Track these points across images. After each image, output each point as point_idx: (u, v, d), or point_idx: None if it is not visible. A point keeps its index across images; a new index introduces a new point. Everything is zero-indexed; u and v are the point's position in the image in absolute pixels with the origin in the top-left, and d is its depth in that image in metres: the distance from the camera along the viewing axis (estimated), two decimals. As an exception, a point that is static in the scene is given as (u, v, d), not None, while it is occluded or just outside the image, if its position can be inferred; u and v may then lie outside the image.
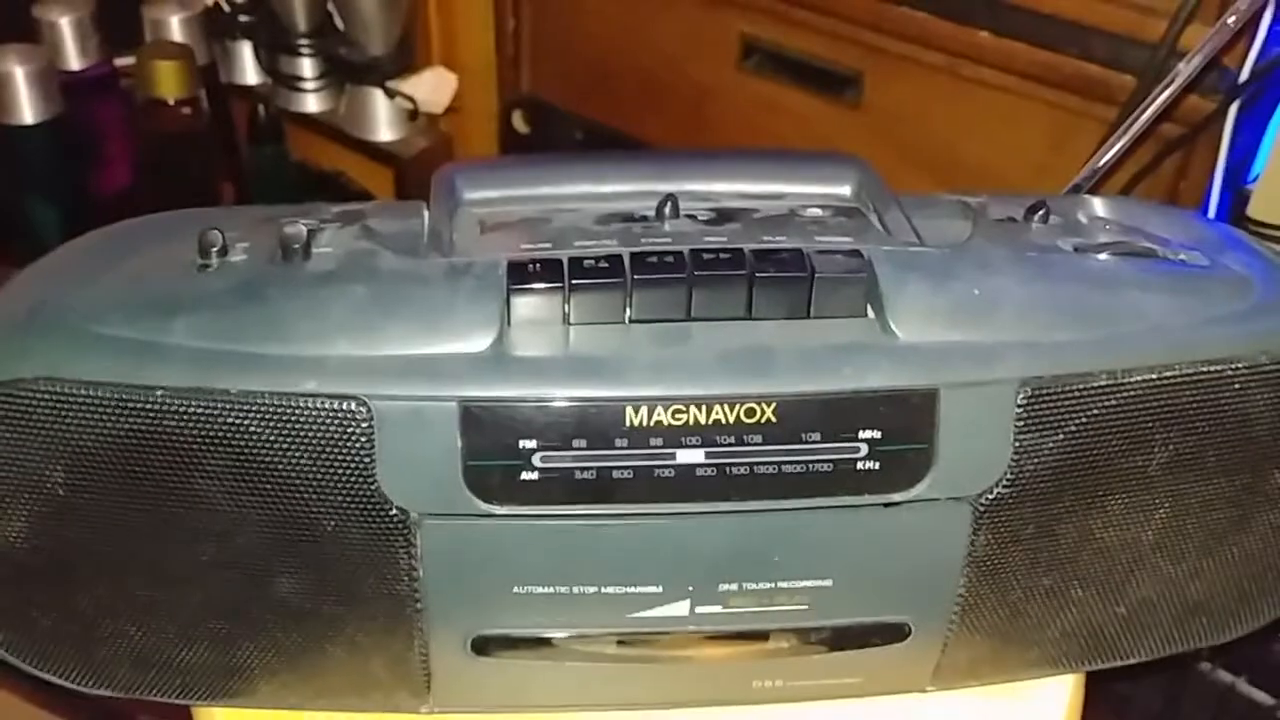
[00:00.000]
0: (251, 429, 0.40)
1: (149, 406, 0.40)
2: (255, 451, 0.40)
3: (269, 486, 0.41)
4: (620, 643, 0.45)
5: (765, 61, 1.01)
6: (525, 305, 0.41)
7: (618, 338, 0.41)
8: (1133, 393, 0.42)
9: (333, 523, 0.41)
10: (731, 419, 0.41)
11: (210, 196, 1.10)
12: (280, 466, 0.40)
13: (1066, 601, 0.45)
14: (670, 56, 1.06)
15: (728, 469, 0.41)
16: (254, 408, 0.40)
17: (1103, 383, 0.41)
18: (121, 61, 1.15)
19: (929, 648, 0.46)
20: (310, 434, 0.40)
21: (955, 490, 0.42)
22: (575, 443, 0.40)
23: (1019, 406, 0.41)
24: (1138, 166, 0.81)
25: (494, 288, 0.41)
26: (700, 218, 0.46)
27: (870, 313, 0.42)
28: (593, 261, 0.42)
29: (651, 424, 0.40)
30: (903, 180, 0.49)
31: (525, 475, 0.41)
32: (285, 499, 0.41)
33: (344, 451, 0.40)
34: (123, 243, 0.46)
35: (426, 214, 0.47)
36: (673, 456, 0.41)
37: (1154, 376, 0.42)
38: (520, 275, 0.41)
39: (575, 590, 0.43)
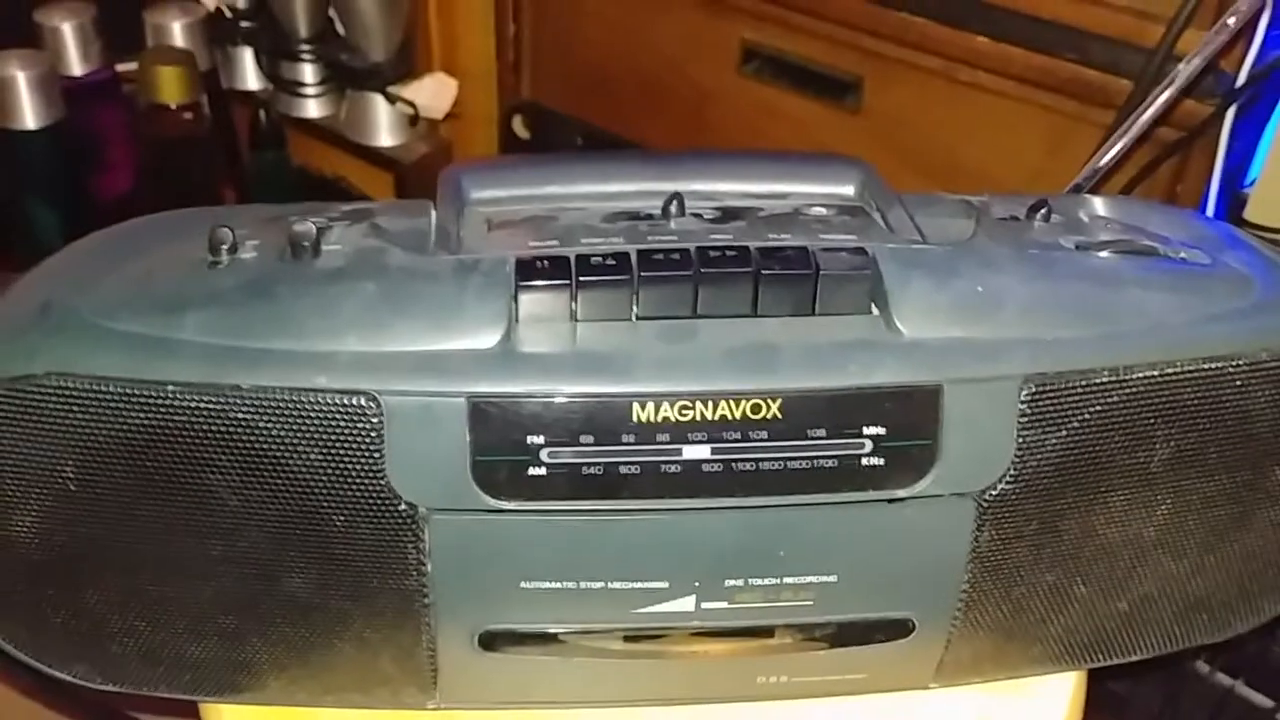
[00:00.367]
0: (261, 424, 0.40)
1: (160, 402, 0.40)
2: (265, 447, 0.40)
3: (279, 481, 0.41)
4: (626, 638, 0.45)
5: (765, 66, 1.01)
6: (533, 302, 0.42)
7: (624, 334, 0.42)
8: (1135, 389, 0.42)
9: (342, 518, 0.41)
10: (737, 415, 0.41)
11: (211, 201, 1.11)
12: (290, 462, 0.41)
13: (1069, 598, 0.46)
14: (671, 61, 1.07)
15: (733, 465, 0.41)
16: (264, 403, 0.40)
17: (1105, 379, 0.42)
18: (123, 67, 1.15)
19: (932, 644, 0.46)
20: (320, 429, 0.40)
21: (959, 486, 0.42)
22: (582, 438, 0.41)
23: (1022, 403, 0.42)
24: (1135, 170, 0.82)
25: (502, 285, 0.42)
26: (706, 216, 0.46)
27: (875, 310, 0.42)
28: (600, 259, 0.42)
29: (658, 420, 0.41)
30: (902, 184, 0.50)
31: (533, 471, 0.41)
32: (295, 494, 0.41)
33: (353, 447, 0.40)
34: (131, 241, 0.47)
35: (433, 213, 0.47)
36: (679, 452, 0.41)
37: (1155, 373, 0.42)
38: (528, 272, 0.42)
39: (582, 585, 0.43)
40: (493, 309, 0.41)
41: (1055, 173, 0.85)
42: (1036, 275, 0.44)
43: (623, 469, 0.41)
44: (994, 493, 0.42)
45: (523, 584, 0.43)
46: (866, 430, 0.41)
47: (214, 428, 0.40)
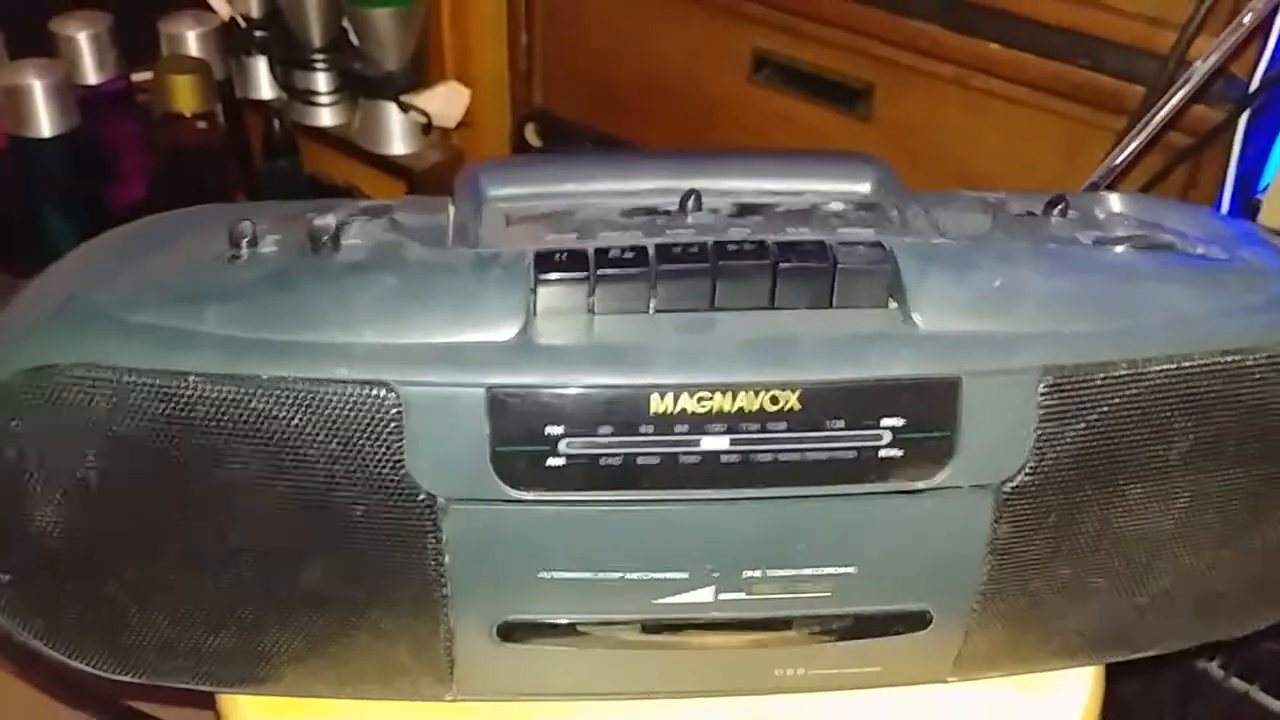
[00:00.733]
0: (281, 415, 0.40)
1: (181, 393, 0.40)
2: (285, 438, 0.41)
3: (298, 472, 0.41)
4: (644, 630, 0.45)
5: (776, 75, 1.02)
6: (551, 295, 0.42)
7: (642, 327, 0.42)
8: (1153, 382, 0.42)
9: (361, 508, 0.41)
10: (756, 406, 0.41)
11: (224, 209, 1.11)
12: (310, 453, 0.41)
13: (1087, 591, 0.46)
14: (682, 70, 1.07)
15: (752, 456, 0.41)
16: (284, 394, 0.40)
17: (1123, 372, 0.42)
18: (138, 77, 1.16)
19: (950, 636, 0.46)
20: (339, 420, 0.40)
21: (977, 478, 0.42)
22: (601, 429, 0.41)
23: (1041, 395, 0.42)
24: (1147, 177, 0.82)
25: (520, 278, 0.42)
26: (723, 211, 0.46)
27: (892, 303, 0.42)
28: (618, 252, 0.42)
29: (676, 411, 0.41)
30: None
31: (552, 461, 0.41)
32: (314, 485, 0.41)
33: (373, 438, 0.41)
34: (150, 236, 0.47)
35: (452, 210, 0.47)
36: (697, 443, 0.41)
37: (1173, 366, 0.42)
38: (547, 265, 0.42)
39: (600, 576, 0.43)
40: (511, 301, 0.41)
41: (1069, 179, 0.85)
42: (1054, 269, 0.44)
43: (641, 460, 0.41)
44: (1012, 485, 0.42)
45: (541, 574, 0.43)
46: (885, 422, 0.41)
47: (234, 418, 0.40)
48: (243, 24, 1.21)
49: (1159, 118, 0.69)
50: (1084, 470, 0.43)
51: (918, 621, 0.46)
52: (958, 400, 0.41)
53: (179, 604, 0.44)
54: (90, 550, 0.43)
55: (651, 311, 0.42)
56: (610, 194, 0.48)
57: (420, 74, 1.19)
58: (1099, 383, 0.42)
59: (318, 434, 0.41)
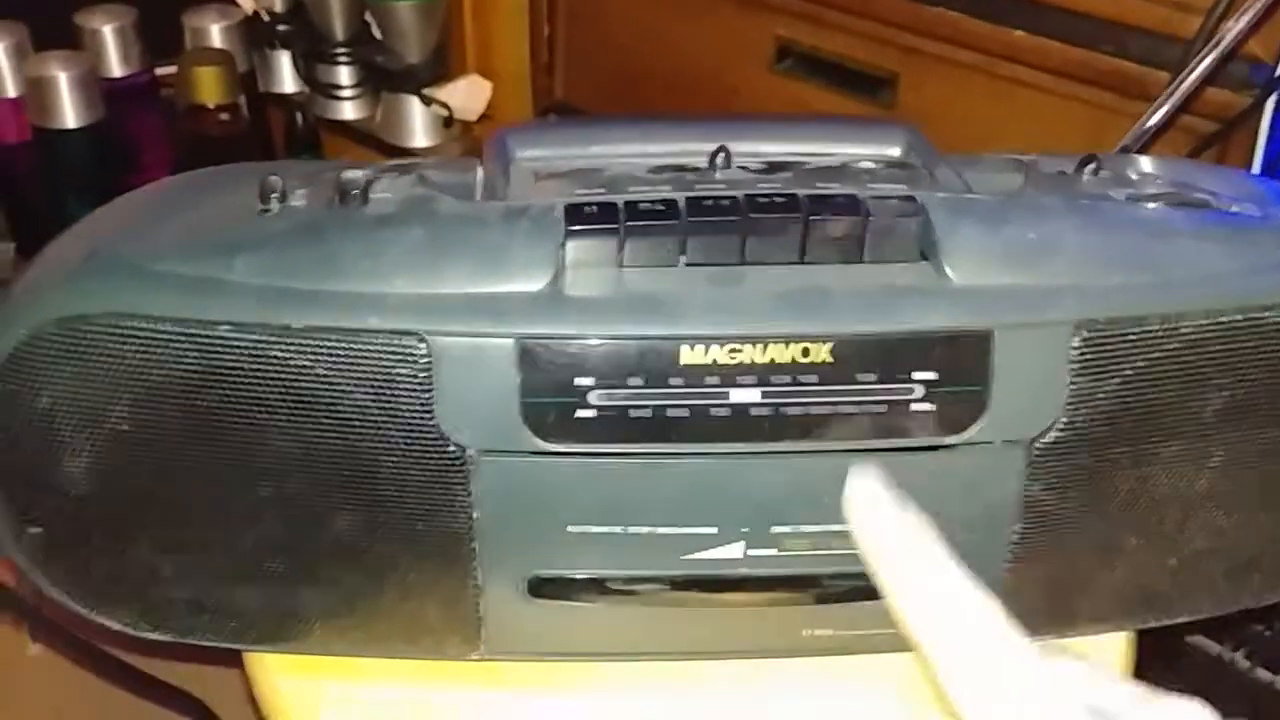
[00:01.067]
0: (312, 365, 0.40)
1: (212, 342, 0.40)
2: (315, 387, 0.41)
3: (329, 422, 0.41)
4: (672, 587, 0.45)
5: (798, 64, 1.02)
6: (581, 247, 0.42)
7: (672, 279, 0.42)
8: (1187, 338, 0.42)
9: (391, 459, 0.41)
10: (787, 359, 0.41)
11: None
12: (340, 402, 0.41)
13: (1119, 550, 0.45)
14: (703, 61, 1.07)
15: (782, 409, 0.41)
16: (315, 343, 0.40)
17: (1157, 327, 0.42)
18: (162, 70, 1.17)
19: (981, 598, 0.46)
20: (370, 370, 0.40)
21: (1010, 433, 0.42)
22: (630, 380, 0.41)
23: (1074, 350, 0.41)
24: (1173, 162, 0.82)
25: (550, 230, 0.42)
26: (752, 168, 0.46)
27: (924, 257, 0.42)
28: (648, 205, 0.42)
29: (707, 362, 0.41)
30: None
31: (581, 413, 0.41)
32: (344, 435, 0.41)
33: (403, 388, 0.41)
34: (180, 193, 0.47)
35: (480, 169, 0.47)
36: (727, 396, 0.41)
37: (1207, 322, 0.42)
38: (576, 218, 0.42)
39: (629, 530, 0.43)
40: (541, 253, 0.41)
41: (1092, 165, 0.85)
42: (1087, 224, 0.43)
43: (670, 412, 0.41)
44: (1045, 441, 0.42)
45: (569, 528, 0.43)
46: (916, 375, 0.41)
47: (265, 368, 0.40)
48: (266, 18, 1.21)
49: (1191, 79, 0.68)
50: (1117, 427, 0.42)
51: (949, 581, 0.45)
52: (990, 354, 0.41)
53: (208, 558, 0.44)
54: (120, 502, 0.43)
55: (681, 265, 0.42)
56: (638, 155, 0.48)
57: (442, 67, 1.19)
58: (1132, 338, 0.42)
59: (348, 384, 0.40)
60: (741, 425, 0.41)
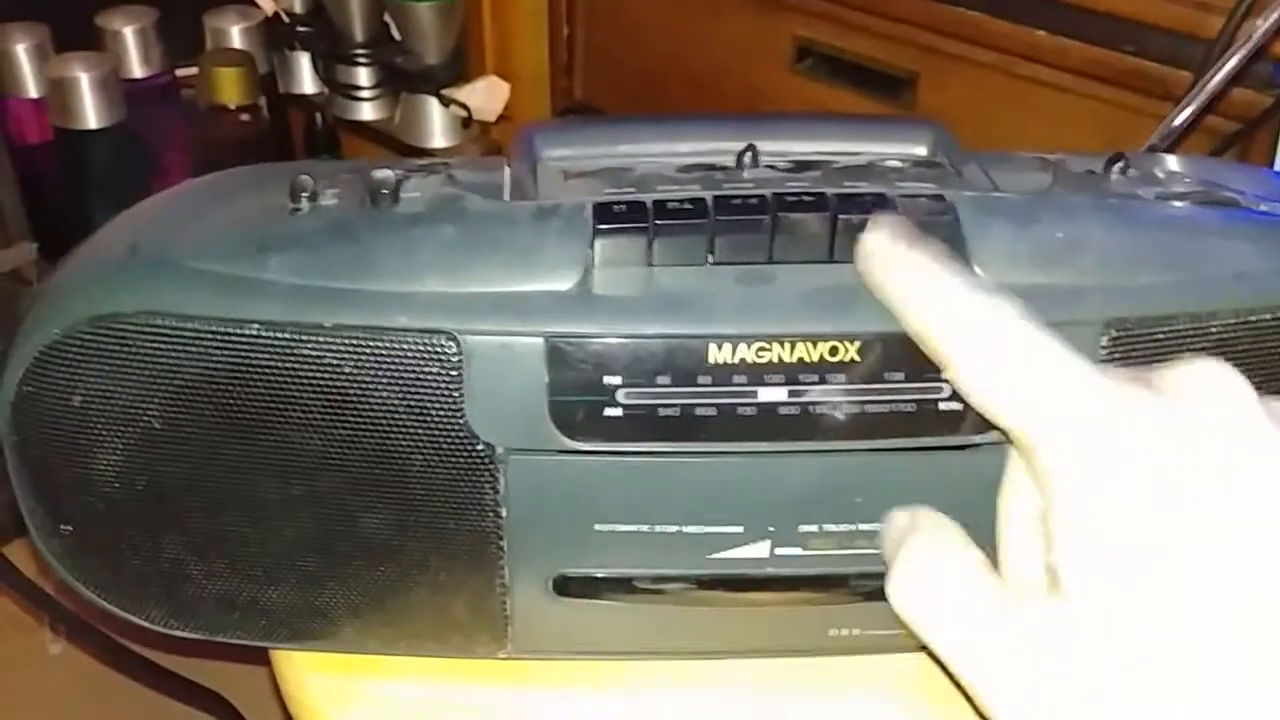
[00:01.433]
0: (343, 364, 0.40)
1: (244, 340, 0.40)
2: (346, 386, 0.41)
3: (359, 421, 0.41)
4: (700, 585, 0.45)
5: (818, 64, 1.02)
6: (610, 246, 0.42)
7: (701, 278, 0.42)
8: (1217, 337, 0.42)
9: (420, 457, 0.42)
10: (814, 357, 0.41)
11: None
12: (371, 401, 0.41)
13: (1148, 551, 0.45)
14: (722, 61, 1.07)
15: (810, 408, 0.41)
16: (346, 342, 0.40)
17: (1186, 326, 0.41)
18: (182, 71, 1.17)
19: (1009, 598, 0.46)
20: (400, 368, 0.41)
21: (1038, 433, 0.42)
22: (659, 379, 0.41)
23: (1103, 349, 0.41)
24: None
25: (580, 228, 0.42)
26: (780, 167, 0.46)
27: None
28: (677, 204, 0.42)
29: (735, 361, 0.41)
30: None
31: (609, 411, 0.41)
32: (374, 434, 0.41)
33: (433, 386, 0.41)
34: (210, 192, 0.47)
35: (507, 169, 0.48)
36: (755, 394, 0.41)
37: (1237, 321, 0.42)
38: (606, 217, 0.42)
39: (656, 529, 0.43)
40: (570, 252, 0.41)
41: (1113, 165, 0.85)
42: (1116, 223, 0.43)
43: (699, 411, 0.41)
44: (1073, 440, 0.42)
45: (597, 527, 0.43)
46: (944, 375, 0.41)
47: (296, 367, 0.41)
48: (286, 19, 1.22)
49: (1219, 77, 0.68)
50: (1146, 426, 0.42)
51: (976, 580, 0.45)
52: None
53: (239, 556, 0.44)
54: (151, 500, 0.43)
55: (710, 263, 0.42)
56: (666, 154, 0.48)
57: (461, 68, 1.20)
58: (1161, 337, 0.41)
59: (378, 382, 0.41)
60: (769, 424, 0.41)
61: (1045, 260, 0.42)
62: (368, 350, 0.40)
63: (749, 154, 0.46)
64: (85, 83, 1.07)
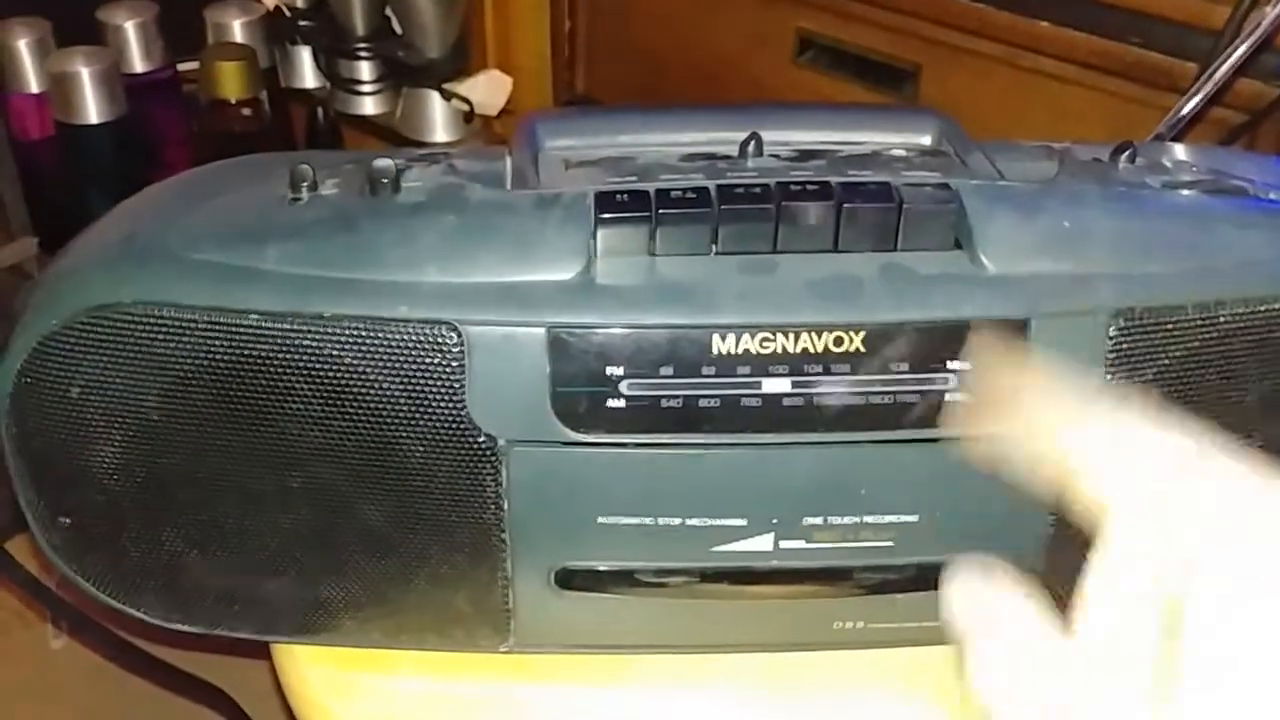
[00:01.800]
0: (343, 354, 0.40)
1: (243, 330, 0.40)
2: (346, 377, 0.40)
3: (360, 412, 0.41)
4: (703, 578, 0.44)
5: (821, 56, 1.01)
6: (613, 235, 0.41)
7: (704, 268, 0.41)
8: (1226, 326, 0.41)
9: (421, 449, 0.41)
10: (819, 348, 0.41)
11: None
12: (371, 392, 0.41)
13: (1155, 543, 0.45)
14: (725, 54, 1.07)
15: (814, 399, 0.41)
16: (346, 332, 0.40)
17: (1195, 315, 0.41)
18: (184, 66, 1.17)
19: (1015, 590, 0.45)
20: (401, 359, 0.40)
21: (1045, 423, 0.41)
22: (662, 370, 0.40)
23: (1111, 338, 0.41)
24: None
25: (582, 218, 0.41)
26: (783, 156, 0.46)
27: (959, 245, 0.42)
28: (680, 193, 0.42)
29: (738, 352, 0.40)
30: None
31: (612, 402, 0.41)
32: (375, 425, 0.41)
33: (434, 377, 0.40)
34: (209, 182, 0.47)
35: (509, 157, 0.47)
36: (759, 385, 0.41)
37: (1245, 310, 0.41)
38: (608, 206, 0.41)
39: (660, 522, 0.43)
40: (573, 241, 0.41)
41: (1119, 158, 0.84)
42: (1124, 211, 0.43)
43: (702, 402, 0.41)
44: (1080, 431, 0.42)
45: (600, 519, 0.43)
46: (951, 365, 0.41)
47: (295, 357, 0.40)
48: (287, 13, 1.21)
49: (1228, 65, 0.67)
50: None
51: (982, 573, 0.45)
52: (1025, 343, 0.41)
53: (238, 548, 0.44)
54: (150, 492, 0.43)
55: (713, 253, 0.42)
56: (669, 143, 0.48)
57: (463, 62, 1.19)
58: (1169, 326, 0.41)
59: (379, 373, 0.40)
60: (773, 415, 0.41)
61: (1052, 249, 0.42)
62: (368, 341, 0.40)
63: (753, 143, 0.45)
64: (86, 77, 1.06)
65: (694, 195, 0.42)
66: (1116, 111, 0.88)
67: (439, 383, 0.40)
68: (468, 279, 0.41)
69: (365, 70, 1.21)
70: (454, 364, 0.40)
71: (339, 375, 0.40)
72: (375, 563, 0.44)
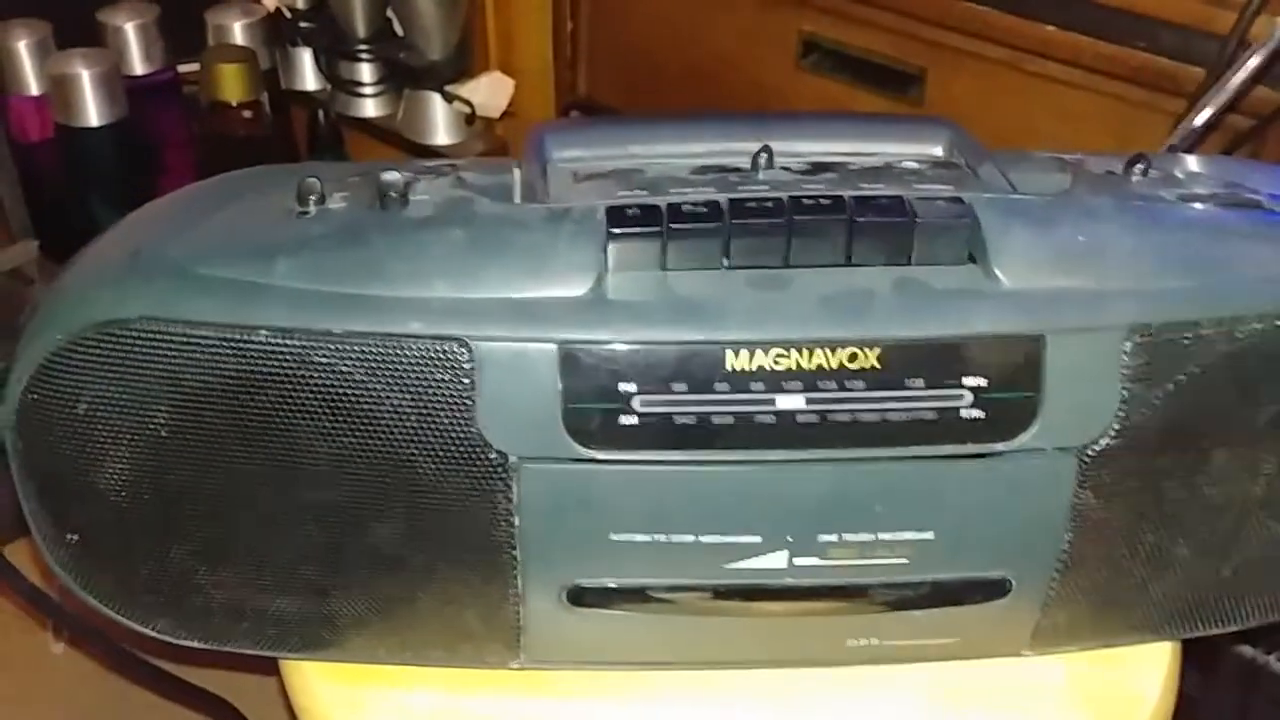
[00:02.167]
0: (352, 370, 0.40)
1: (251, 347, 0.40)
2: (355, 393, 0.40)
3: (369, 428, 0.40)
4: (716, 596, 0.44)
5: (824, 60, 1.01)
6: (624, 250, 0.41)
7: (717, 282, 0.41)
8: (1242, 342, 0.41)
9: (432, 466, 0.41)
10: (833, 364, 0.40)
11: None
12: (380, 408, 0.40)
13: (1170, 560, 0.44)
14: (728, 56, 1.06)
15: (829, 415, 0.41)
16: (355, 348, 0.40)
17: (1212, 331, 0.41)
18: (184, 68, 1.16)
19: (1029, 607, 0.45)
20: (411, 375, 0.40)
21: (1061, 440, 0.41)
22: (675, 386, 0.40)
23: (1127, 354, 0.41)
24: (1208, 158, 0.81)
25: (593, 233, 0.41)
26: (795, 169, 0.45)
27: (973, 259, 0.41)
28: (691, 207, 0.41)
29: (752, 368, 0.40)
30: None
31: (624, 419, 0.40)
32: (385, 441, 0.41)
33: (445, 393, 0.40)
34: (216, 194, 0.47)
35: (517, 170, 0.47)
36: (773, 402, 0.40)
37: (1262, 326, 0.41)
38: (619, 220, 0.41)
39: (672, 539, 0.42)
40: (584, 257, 0.41)
41: (1124, 162, 0.84)
42: (1139, 225, 0.43)
43: (715, 419, 0.40)
44: (1097, 448, 0.41)
45: (612, 536, 0.42)
46: (966, 381, 0.40)
47: (305, 374, 0.40)
48: (288, 15, 1.21)
49: (1239, 77, 0.67)
50: (1169, 433, 0.42)
51: (996, 590, 0.44)
52: (1042, 359, 0.40)
53: (247, 564, 0.44)
54: (158, 509, 0.43)
55: (725, 267, 0.41)
56: (679, 155, 0.47)
57: (464, 64, 1.19)
58: (1186, 342, 0.41)
59: (389, 389, 0.40)
60: (787, 432, 0.41)
61: (1067, 264, 0.41)
62: (378, 357, 0.40)
63: (764, 155, 0.45)
64: (87, 80, 1.06)
65: (705, 209, 0.41)
66: (1121, 115, 0.88)
67: (449, 399, 0.40)
68: (478, 294, 0.40)
69: (366, 72, 1.21)
70: (465, 380, 0.40)
71: (349, 391, 0.40)
72: (385, 579, 0.43)
